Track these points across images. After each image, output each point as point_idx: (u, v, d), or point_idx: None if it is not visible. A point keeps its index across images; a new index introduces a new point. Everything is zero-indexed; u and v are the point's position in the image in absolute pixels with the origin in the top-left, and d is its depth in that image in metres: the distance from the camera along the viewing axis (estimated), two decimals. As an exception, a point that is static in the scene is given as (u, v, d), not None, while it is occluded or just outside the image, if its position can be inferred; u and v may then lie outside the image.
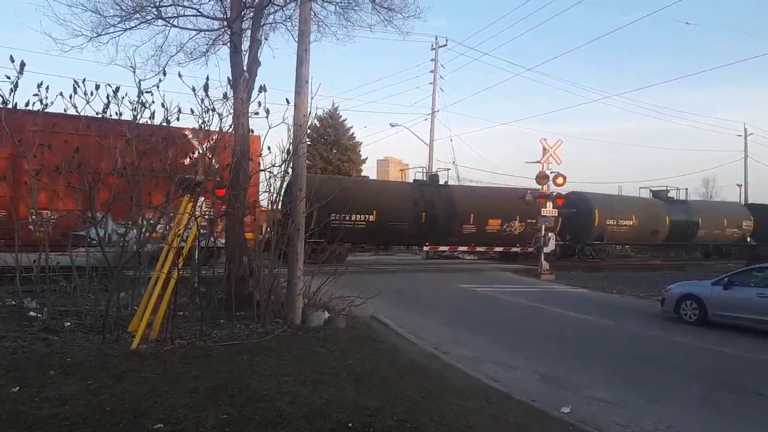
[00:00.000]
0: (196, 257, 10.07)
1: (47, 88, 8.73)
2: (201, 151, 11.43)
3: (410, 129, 40.87)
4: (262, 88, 10.00)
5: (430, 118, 39.10)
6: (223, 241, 11.11)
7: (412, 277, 20.64)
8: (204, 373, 6.55)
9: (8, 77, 8.07)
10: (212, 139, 10.92)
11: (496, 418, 5.69)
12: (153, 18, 10.63)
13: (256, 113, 10.18)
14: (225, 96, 9.62)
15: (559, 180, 22.29)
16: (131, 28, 10.98)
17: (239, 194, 10.37)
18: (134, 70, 9.08)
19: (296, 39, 10.11)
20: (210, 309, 9.76)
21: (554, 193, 22.68)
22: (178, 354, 7.50)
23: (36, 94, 8.82)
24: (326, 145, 45.53)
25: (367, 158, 47.72)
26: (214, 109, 9.59)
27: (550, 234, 22.43)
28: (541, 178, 22.19)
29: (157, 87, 8.91)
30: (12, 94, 8.32)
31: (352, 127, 46.88)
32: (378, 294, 10.98)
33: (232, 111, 10.88)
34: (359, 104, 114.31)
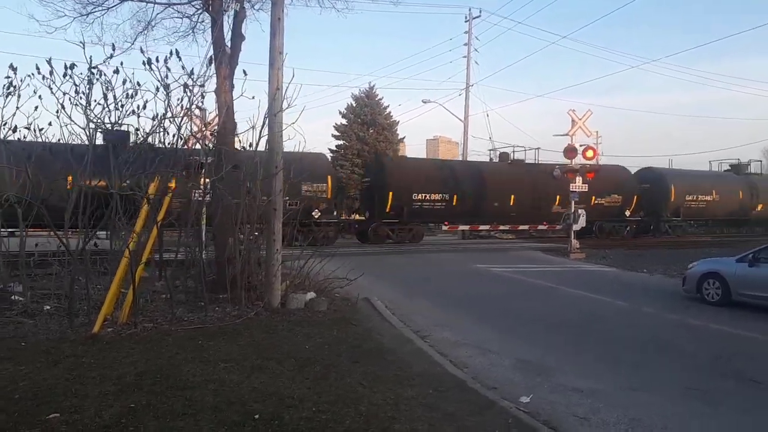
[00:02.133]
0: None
1: (15, 69, 8.67)
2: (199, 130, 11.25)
3: (444, 105, 39.73)
4: (244, 72, 9.77)
5: (464, 93, 38.05)
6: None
7: (430, 257, 20.12)
8: (143, 358, 6.34)
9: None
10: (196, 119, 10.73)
11: (431, 408, 5.21)
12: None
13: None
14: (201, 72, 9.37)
15: (589, 153, 21.20)
16: (113, 6, 10.82)
17: (223, 174, 10.15)
18: (114, 49, 8.73)
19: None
20: (195, 292, 9.63)
21: (585, 166, 21.55)
22: (135, 338, 7.35)
23: (8, 77, 8.81)
24: (363, 125, 45.10)
25: (404, 137, 47.06)
26: (197, 86, 9.42)
27: (580, 211, 21.36)
28: (570, 151, 21.11)
29: (148, 66, 8.69)
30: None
31: (388, 106, 46.24)
32: (365, 274, 10.61)
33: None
34: (393, 82, 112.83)
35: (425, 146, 64.42)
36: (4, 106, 8.67)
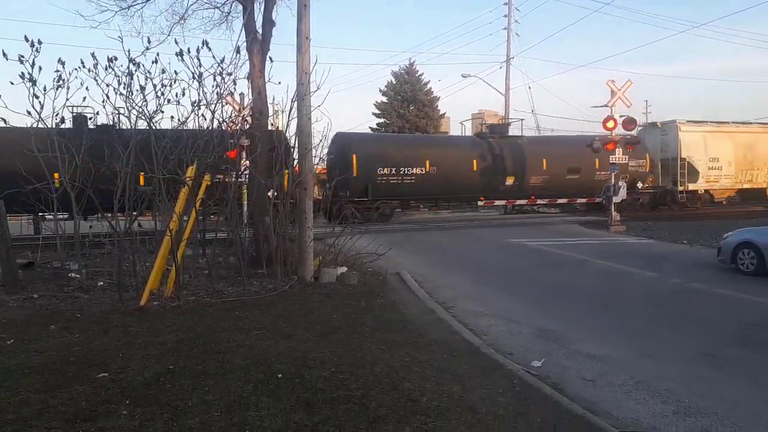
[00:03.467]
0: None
1: (63, 63, 9.32)
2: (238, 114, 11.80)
3: (484, 79, 39.38)
4: (270, 59, 10.23)
5: (505, 66, 37.63)
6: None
7: (466, 232, 20.34)
8: (184, 327, 6.93)
9: (22, 56, 8.68)
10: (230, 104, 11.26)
11: (442, 370, 5.60)
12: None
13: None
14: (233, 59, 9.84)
15: (631, 124, 20.81)
16: (149, 0, 11.41)
17: (258, 156, 10.70)
18: (149, 41, 9.31)
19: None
20: (235, 268, 10.23)
21: (625, 137, 21.21)
22: (178, 310, 7.97)
23: (56, 71, 9.48)
24: (403, 102, 45.23)
25: (445, 113, 46.95)
26: (229, 74, 9.93)
27: (620, 183, 21.09)
28: (608, 121, 20.79)
29: (181, 57, 9.25)
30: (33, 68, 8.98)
31: (428, 81, 46.18)
32: (400, 250, 10.99)
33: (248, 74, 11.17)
34: (433, 57, 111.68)
35: (470, 121, 64.12)
36: (55, 98, 9.34)
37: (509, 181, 25.07)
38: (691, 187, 27.77)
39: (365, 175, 22.56)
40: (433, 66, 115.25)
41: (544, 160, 25.57)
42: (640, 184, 26.80)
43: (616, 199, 20.92)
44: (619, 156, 20.92)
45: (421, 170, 23.50)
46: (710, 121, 29.40)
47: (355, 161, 22.29)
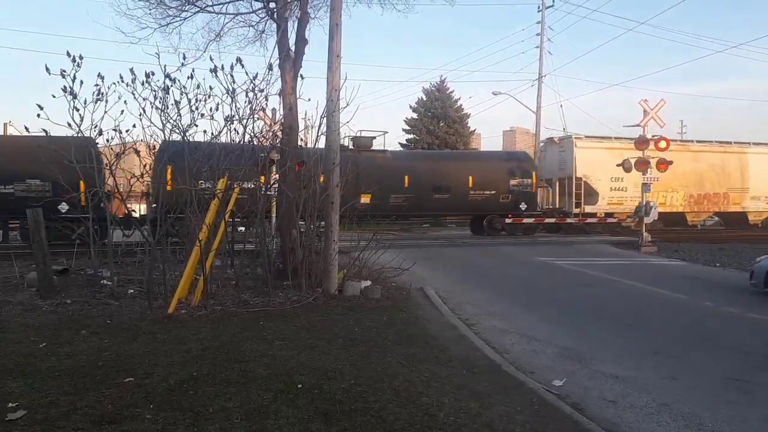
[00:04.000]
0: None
1: (103, 78, 9.67)
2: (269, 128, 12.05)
3: (515, 97, 39.37)
4: (301, 77, 10.50)
5: (537, 84, 37.50)
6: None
7: (493, 250, 20.22)
8: (210, 335, 7.07)
9: (63, 71, 9.05)
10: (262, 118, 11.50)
11: (461, 387, 5.60)
12: (188, 6, 11.32)
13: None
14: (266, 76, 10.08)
15: (662, 144, 20.53)
16: (188, 17, 11.79)
17: (288, 170, 10.90)
18: (185, 57, 9.65)
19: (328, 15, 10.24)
20: (262, 279, 10.39)
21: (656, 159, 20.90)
22: (205, 319, 8.13)
23: (96, 85, 9.83)
24: (433, 118, 45.40)
25: (475, 130, 46.91)
26: (261, 90, 10.19)
27: (652, 203, 20.79)
28: (641, 142, 20.56)
29: (215, 73, 9.54)
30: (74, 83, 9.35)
31: (459, 98, 46.30)
32: (424, 265, 11.03)
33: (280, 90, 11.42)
34: (464, 74, 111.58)
35: (501, 138, 64.14)
36: (94, 111, 9.68)
37: (364, 199, 20.86)
38: (589, 209, 25.80)
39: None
40: (464, 83, 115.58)
41: (407, 178, 23.03)
42: (524, 205, 24.50)
43: (647, 220, 20.65)
44: (650, 176, 20.64)
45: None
46: (615, 137, 27.07)
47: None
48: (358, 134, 23.43)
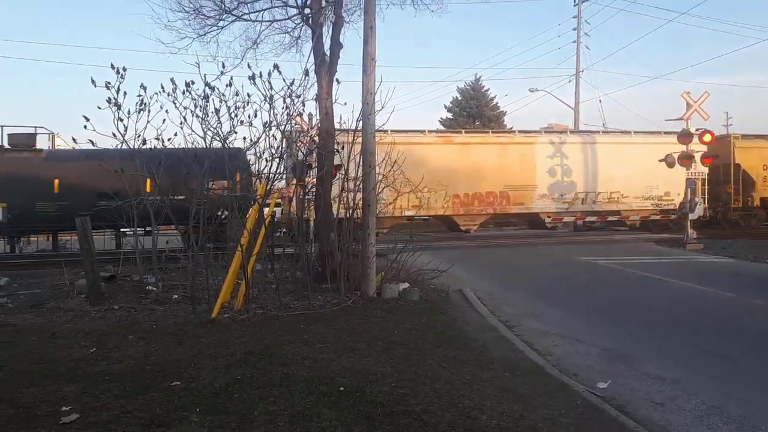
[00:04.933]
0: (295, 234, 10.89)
1: (145, 88, 9.96)
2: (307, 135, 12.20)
3: (552, 93, 38.55)
4: (337, 81, 10.62)
5: (574, 80, 36.91)
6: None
7: (533, 250, 19.96)
8: (252, 339, 7.19)
9: (108, 83, 9.36)
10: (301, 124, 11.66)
11: (503, 389, 5.56)
12: (225, 15, 11.54)
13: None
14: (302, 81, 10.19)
15: (707, 137, 19.95)
16: (225, 26, 12.04)
17: (324, 174, 11.01)
18: (224, 66, 9.87)
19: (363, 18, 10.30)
20: (302, 282, 10.51)
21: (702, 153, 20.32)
22: (247, 323, 8.27)
23: (139, 95, 10.13)
24: (469, 117, 45.14)
25: (512, 127, 46.38)
26: (298, 96, 10.32)
27: (697, 199, 20.21)
28: (684, 136, 19.98)
29: (252, 80, 9.72)
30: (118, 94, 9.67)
31: (495, 97, 45.92)
32: (463, 266, 10.98)
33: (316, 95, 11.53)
34: (500, 72, 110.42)
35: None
36: (137, 121, 9.97)
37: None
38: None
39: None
40: (500, 81, 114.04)
41: (57, 182, 17.50)
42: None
43: (692, 216, 20.06)
44: (695, 171, 20.08)
45: None
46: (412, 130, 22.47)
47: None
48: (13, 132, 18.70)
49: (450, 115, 45.87)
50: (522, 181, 23.11)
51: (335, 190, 11.45)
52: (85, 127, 9.61)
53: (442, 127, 45.43)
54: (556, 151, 23.46)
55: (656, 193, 24.24)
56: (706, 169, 21.93)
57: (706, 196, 23.76)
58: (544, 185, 23.32)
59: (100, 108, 9.63)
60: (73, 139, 13.73)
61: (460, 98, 45.72)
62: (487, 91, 45.98)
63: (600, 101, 38.62)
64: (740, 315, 9.52)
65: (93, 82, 9.20)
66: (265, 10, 12.03)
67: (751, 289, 11.69)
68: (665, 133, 23.72)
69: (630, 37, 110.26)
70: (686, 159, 19.96)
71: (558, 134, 24.76)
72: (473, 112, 44.96)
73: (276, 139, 10.12)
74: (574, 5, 37.54)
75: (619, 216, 24.70)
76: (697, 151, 20.19)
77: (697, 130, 20.42)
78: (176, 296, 10.09)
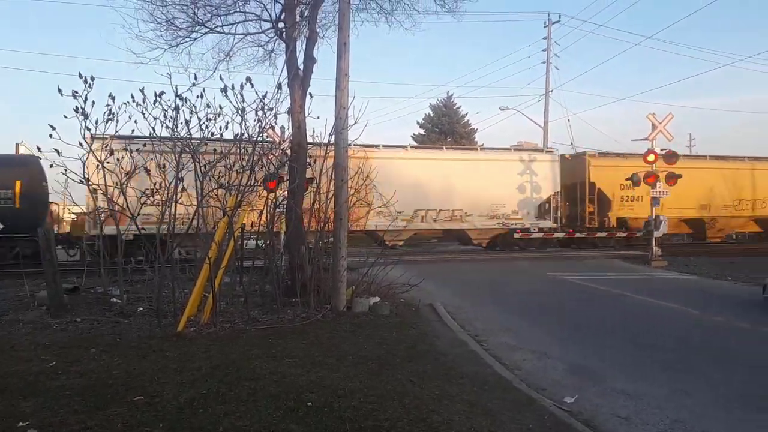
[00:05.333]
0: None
1: (114, 98, 9.78)
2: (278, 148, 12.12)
3: (522, 112, 39.20)
4: (310, 95, 10.64)
5: (543, 99, 37.60)
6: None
7: (502, 265, 20.12)
8: (219, 353, 7.07)
9: (75, 92, 9.17)
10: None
11: (472, 404, 5.56)
12: (198, 27, 11.49)
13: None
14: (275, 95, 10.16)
15: (650, 157, 20.49)
16: (198, 38, 11.94)
17: (296, 187, 10.95)
18: (196, 78, 9.77)
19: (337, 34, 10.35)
20: (271, 296, 10.39)
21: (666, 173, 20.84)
22: (214, 336, 8.13)
23: (107, 105, 9.94)
24: (441, 134, 45.56)
25: (482, 144, 46.94)
26: (270, 109, 10.28)
27: (661, 217, 20.69)
28: (649, 156, 20.52)
29: (224, 92, 9.64)
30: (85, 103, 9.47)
31: (466, 114, 46.52)
32: (432, 281, 11.01)
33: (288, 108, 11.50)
34: (471, 90, 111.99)
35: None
36: (105, 131, 9.77)
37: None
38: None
39: None
40: (471, 99, 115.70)
41: None
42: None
43: (657, 234, 20.53)
44: (659, 189, 20.57)
45: None
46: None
47: None
48: None
49: (423, 131, 46.25)
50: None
51: (307, 203, 11.39)
52: (51, 135, 9.39)
53: (414, 143, 45.77)
54: (401, 166, 22.12)
55: (503, 212, 23.96)
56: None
57: (559, 215, 24.31)
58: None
59: (66, 117, 9.43)
60: (38, 148, 13.39)
61: (432, 115, 46.18)
62: (458, 108, 46.60)
63: (568, 120, 39.44)
64: (702, 331, 9.74)
65: (59, 91, 9.02)
66: (238, 23, 12.00)
67: (713, 305, 11.96)
68: (515, 149, 24.72)
69: (598, 59, 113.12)
70: (652, 177, 20.43)
71: (395, 149, 23.63)
72: (445, 129, 45.42)
73: (247, 151, 10.05)
74: (544, 26, 38.39)
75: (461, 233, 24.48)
76: (662, 171, 20.68)
77: (662, 150, 20.93)
78: (141, 309, 9.88)
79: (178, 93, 9.05)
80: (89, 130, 9.65)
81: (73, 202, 13.22)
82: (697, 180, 25.45)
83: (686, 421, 5.49)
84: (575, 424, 5.23)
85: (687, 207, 26.27)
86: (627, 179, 21.59)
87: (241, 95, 9.28)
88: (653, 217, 20.61)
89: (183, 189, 9.44)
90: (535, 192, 24.12)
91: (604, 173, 25.34)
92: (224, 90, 9.13)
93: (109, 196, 10.48)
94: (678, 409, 5.83)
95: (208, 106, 9.59)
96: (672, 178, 20.65)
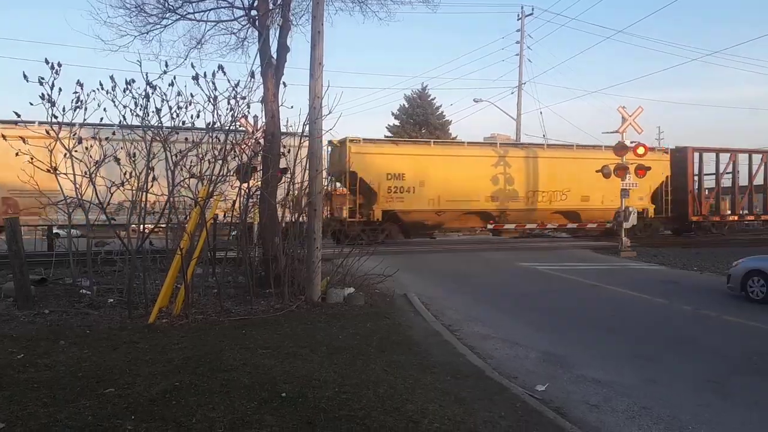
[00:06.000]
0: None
1: (82, 85, 9.55)
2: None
3: (496, 104, 39.45)
4: (284, 84, 10.51)
5: (517, 92, 37.85)
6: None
7: (476, 255, 20.32)
8: (191, 345, 7.00)
9: (42, 78, 8.93)
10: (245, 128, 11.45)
11: (445, 392, 5.61)
12: (169, 14, 11.28)
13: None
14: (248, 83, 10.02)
15: (640, 150, 20.85)
16: (169, 24, 11.72)
17: (270, 177, 10.85)
18: (167, 65, 9.55)
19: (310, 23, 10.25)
20: (245, 287, 10.31)
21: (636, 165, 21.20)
22: (186, 328, 8.04)
23: (75, 92, 9.70)
24: (415, 125, 45.60)
25: (456, 136, 47.14)
26: (243, 98, 10.13)
27: (630, 208, 21.06)
28: (620, 149, 20.86)
29: (196, 81, 9.46)
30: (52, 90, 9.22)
31: (441, 106, 46.61)
32: (407, 271, 11.04)
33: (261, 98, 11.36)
34: (446, 82, 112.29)
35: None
36: (73, 119, 9.55)
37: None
38: None
39: None
40: (446, 90, 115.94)
41: None
42: None
43: (626, 225, 20.90)
44: (629, 182, 20.92)
45: None
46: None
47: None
48: None
49: (397, 122, 46.23)
50: None
51: (281, 193, 11.31)
52: (16, 124, 9.16)
53: (389, 134, 45.74)
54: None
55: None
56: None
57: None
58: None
59: (32, 104, 9.18)
60: (3, 136, 13.02)
61: (407, 106, 46.18)
62: (433, 99, 46.65)
63: (541, 113, 39.90)
64: (669, 320, 9.98)
65: (25, 76, 8.78)
66: (210, 10, 11.82)
67: (680, 295, 12.25)
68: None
69: (571, 52, 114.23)
70: (622, 170, 20.76)
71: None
72: (419, 120, 45.47)
73: (219, 140, 9.92)
74: (518, 19, 38.55)
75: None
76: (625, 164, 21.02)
77: (631, 142, 21.26)
78: (112, 300, 9.71)
79: (149, 81, 8.85)
80: (56, 117, 9.43)
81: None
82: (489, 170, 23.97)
83: (653, 408, 5.64)
84: (546, 411, 5.32)
85: (474, 198, 23.88)
86: (597, 171, 21.85)
87: (213, 83, 9.13)
88: (623, 209, 20.96)
89: (154, 178, 9.27)
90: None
91: (368, 161, 22.38)
92: (196, 78, 8.97)
93: (77, 185, 10.25)
94: (646, 396, 5.98)
95: (179, 94, 9.42)
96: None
